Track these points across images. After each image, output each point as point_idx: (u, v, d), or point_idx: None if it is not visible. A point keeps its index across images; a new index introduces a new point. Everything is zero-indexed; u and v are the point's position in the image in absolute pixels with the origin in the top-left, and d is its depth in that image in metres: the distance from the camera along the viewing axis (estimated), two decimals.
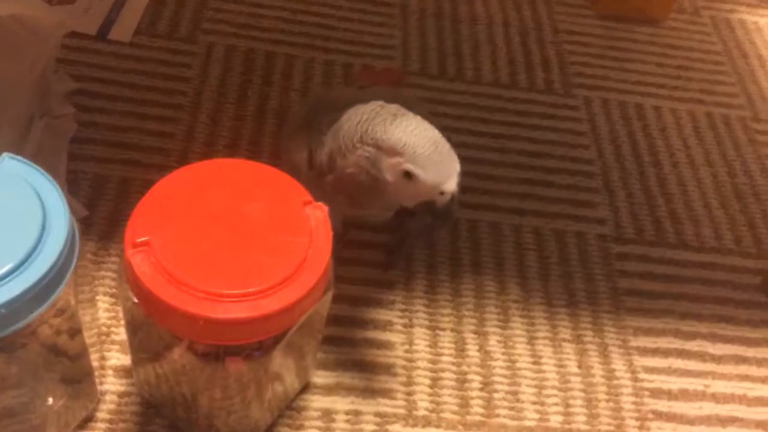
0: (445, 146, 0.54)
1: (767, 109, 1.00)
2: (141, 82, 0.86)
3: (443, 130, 0.57)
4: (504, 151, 0.89)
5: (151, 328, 0.53)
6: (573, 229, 0.82)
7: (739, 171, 0.92)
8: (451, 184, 0.54)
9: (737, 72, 1.05)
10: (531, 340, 0.72)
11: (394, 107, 0.57)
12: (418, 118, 0.56)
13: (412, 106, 0.67)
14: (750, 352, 0.74)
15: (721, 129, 0.96)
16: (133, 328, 0.56)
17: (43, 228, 0.47)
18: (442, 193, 0.54)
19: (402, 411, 0.65)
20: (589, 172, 0.88)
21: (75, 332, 0.56)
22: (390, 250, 0.75)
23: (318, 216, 0.52)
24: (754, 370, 0.73)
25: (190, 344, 0.51)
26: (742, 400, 0.70)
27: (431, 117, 0.69)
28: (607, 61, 1.03)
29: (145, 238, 0.48)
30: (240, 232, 0.50)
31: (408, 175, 0.53)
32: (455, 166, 0.54)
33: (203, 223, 0.50)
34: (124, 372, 0.64)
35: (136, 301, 0.50)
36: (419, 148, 0.53)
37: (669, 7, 1.09)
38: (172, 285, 0.47)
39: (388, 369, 0.68)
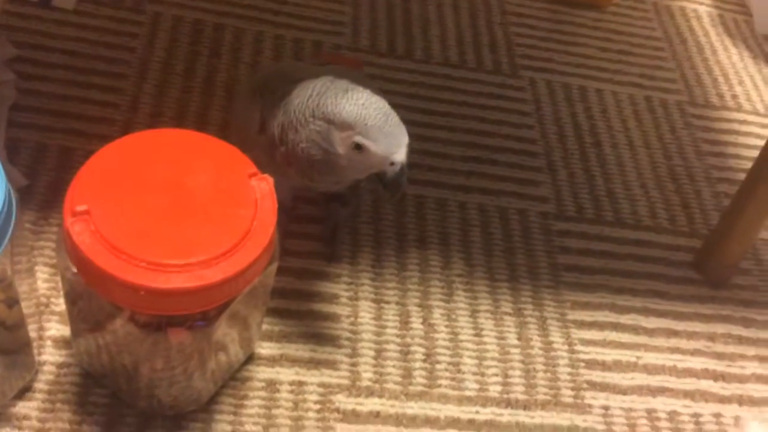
0: (394, 118, 0.55)
1: (703, 95, 1.04)
2: (84, 51, 0.84)
3: (392, 107, 0.58)
4: (451, 130, 0.90)
5: (92, 298, 0.53)
6: (516, 207, 0.84)
7: (675, 153, 0.95)
8: (400, 155, 0.55)
9: (676, 58, 1.08)
10: (473, 313, 0.73)
11: (344, 82, 0.57)
12: (368, 91, 0.56)
13: (363, 83, 0.67)
14: (680, 326, 0.77)
15: (659, 112, 1.00)
16: (72, 298, 0.55)
17: None
18: (392, 164, 0.55)
19: (346, 381, 0.66)
20: (533, 151, 0.90)
21: (12, 302, 0.55)
22: (326, 241, 0.76)
23: (263, 188, 0.53)
24: (683, 343, 0.76)
25: (132, 314, 0.51)
26: (672, 371, 0.74)
27: (381, 94, 0.70)
28: (552, 43, 1.05)
29: (85, 207, 0.47)
30: (183, 203, 0.50)
31: (359, 147, 0.54)
32: (404, 137, 0.56)
33: (146, 192, 0.50)
34: (63, 343, 0.63)
35: (75, 271, 0.49)
36: (369, 120, 0.54)
37: None
38: (113, 254, 0.46)
39: (333, 341, 0.68)
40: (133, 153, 0.52)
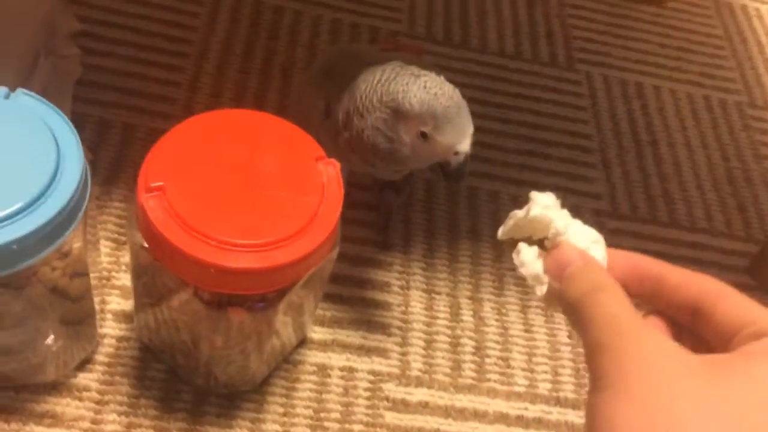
0: (460, 106, 0.54)
1: (763, 96, 1.01)
2: (147, 28, 0.85)
3: None
4: (506, 121, 0.89)
5: (156, 273, 0.54)
6: (569, 203, 0.82)
7: (733, 155, 0.93)
8: (465, 145, 0.54)
9: (736, 57, 1.06)
10: (524, 309, 0.73)
11: (413, 68, 0.57)
12: (439, 78, 0.55)
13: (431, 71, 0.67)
14: None
15: (717, 113, 0.98)
16: (138, 272, 0.56)
17: (58, 167, 0.47)
18: (456, 153, 0.55)
19: (396, 370, 0.66)
20: (587, 147, 0.89)
21: (78, 274, 0.57)
22: (379, 229, 0.75)
23: (330, 172, 0.53)
24: None
25: (196, 291, 0.52)
26: None
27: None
28: (610, 37, 1.03)
29: (160, 183, 0.48)
30: (253, 184, 0.50)
31: (424, 136, 0.54)
32: (470, 127, 0.55)
33: (217, 172, 0.50)
34: (124, 317, 0.64)
35: (145, 245, 0.50)
36: (438, 109, 0.53)
37: None
38: (185, 231, 0.47)
39: (384, 329, 0.69)
40: (205, 132, 0.52)
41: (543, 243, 0.38)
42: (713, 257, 0.82)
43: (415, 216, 0.78)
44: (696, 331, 0.31)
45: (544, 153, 0.87)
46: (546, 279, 0.37)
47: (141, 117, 0.77)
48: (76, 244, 0.53)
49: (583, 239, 0.36)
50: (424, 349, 0.68)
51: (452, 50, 0.95)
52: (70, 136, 0.49)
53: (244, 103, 0.81)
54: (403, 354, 0.68)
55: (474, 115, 0.91)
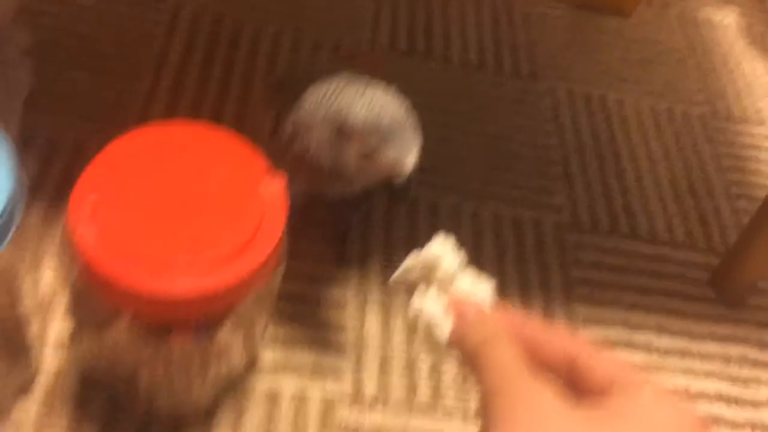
0: (404, 123, 0.53)
1: (726, 108, 1.01)
2: (104, 38, 0.83)
3: (410, 107, 0.55)
4: (468, 133, 0.88)
5: (93, 299, 0.52)
6: (531, 216, 0.82)
7: (695, 167, 0.93)
8: (409, 162, 0.52)
9: (700, 69, 1.06)
10: None
11: (360, 83, 0.55)
12: (385, 94, 0.54)
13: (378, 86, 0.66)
14: (694, 346, 0.76)
15: (680, 125, 0.98)
16: (76, 298, 0.54)
17: None
18: (399, 172, 0.53)
19: (349, 391, 0.65)
20: (550, 159, 0.89)
21: (13, 301, 0.54)
22: (336, 244, 0.74)
23: (274, 188, 0.51)
24: (697, 365, 0.74)
25: (134, 317, 0.50)
26: (684, 394, 0.72)
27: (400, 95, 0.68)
28: (574, 50, 1.03)
29: (90, 206, 0.46)
30: (191, 202, 0.49)
31: (368, 154, 0.53)
32: (415, 144, 0.53)
33: (153, 191, 0.49)
34: (64, 345, 0.62)
35: (78, 270, 0.48)
36: (378, 128, 0.52)
37: (638, 0, 1.10)
38: (116, 255, 0.45)
39: (338, 348, 0.67)
40: (143, 147, 0.51)
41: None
42: (674, 270, 0.82)
43: (373, 231, 0.76)
44: (573, 384, 0.34)
45: (507, 165, 0.87)
46: (448, 322, 0.37)
47: (94, 130, 0.75)
48: (10, 268, 0.51)
49: (474, 289, 0.37)
50: (380, 367, 0.67)
51: (416, 61, 0.94)
52: (2, 152, 0.47)
53: (201, 114, 0.79)
54: (358, 373, 0.66)
55: (437, 125, 0.91)
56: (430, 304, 0.38)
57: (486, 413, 0.31)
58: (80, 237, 0.45)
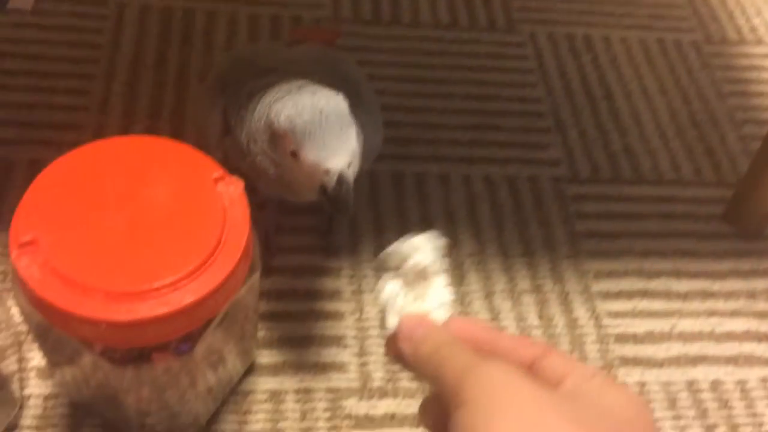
0: (337, 121, 0.47)
1: (720, 30, 0.96)
2: (47, 53, 0.79)
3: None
4: (448, 97, 0.83)
5: (60, 333, 0.48)
6: (525, 174, 0.78)
7: (694, 97, 0.88)
8: (335, 163, 0.46)
9: None
10: (488, 295, 0.68)
11: (298, 84, 0.51)
12: (319, 91, 0.49)
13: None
14: (716, 285, 0.71)
15: (673, 55, 0.92)
16: (41, 333, 0.50)
17: None
18: (327, 173, 0.47)
19: (356, 384, 0.61)
20: (539, 111, 0.84)
21: None
22: (322, 233, 0.70)
23: (232, 192, 0.47)
24: (721, 305, 0.70)
25: (104, 348, 0.46)
26: (711, 337, 0.67)
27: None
28: None
29: (30, 237, 0.42)
30: (142, 220, 0.45)
31: (294, 155, 0.47)
32: (343, 145, 0.47)
33: (99, 212, 0.44)
34: (49, 373, 0.58)
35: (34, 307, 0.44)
36: (306, 125, 0.47)
37: None
38: (66, 287, 0.41)
39: (338, 341, 0.63)
40: (82, 169, 0.47)
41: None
42: (685, 209, 0.77)
43: (360, 214, 0.72)
44: None
45: (494, 125, 0.82)
46: (395, 317, 0.36)
47: (48, 150, 0.68)
48: None
49: (434, 300, 0.37)
50: (385, 356, 0.63)
51: (383, 29, 0.89)
52: None
53: (161, 120, 0.75)
54: (362, 365, 0.62)
55: (413, 94, 0.86)
56: (388, 292, 0.37)
57: (461, 401, 0.31)
58: (25, 272, 0.41)
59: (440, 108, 0.82)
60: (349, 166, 0.46)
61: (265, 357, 0.62)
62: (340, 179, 0.46)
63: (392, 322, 0.36)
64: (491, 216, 0.74)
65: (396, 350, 0.36)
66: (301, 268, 0.67)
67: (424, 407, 0.36)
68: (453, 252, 0.70)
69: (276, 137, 0.48)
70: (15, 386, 0.56)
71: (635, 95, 0.87)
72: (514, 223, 0.74)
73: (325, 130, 0.46)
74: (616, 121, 0.84)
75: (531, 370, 0.34)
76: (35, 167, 0.68)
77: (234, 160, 0.54)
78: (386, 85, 0.82)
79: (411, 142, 0.78)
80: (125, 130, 0.73)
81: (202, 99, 0.60)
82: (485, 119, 0.82)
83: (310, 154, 0.46)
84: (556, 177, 0.78)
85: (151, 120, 0.75)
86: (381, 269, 0.39)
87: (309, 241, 0.69)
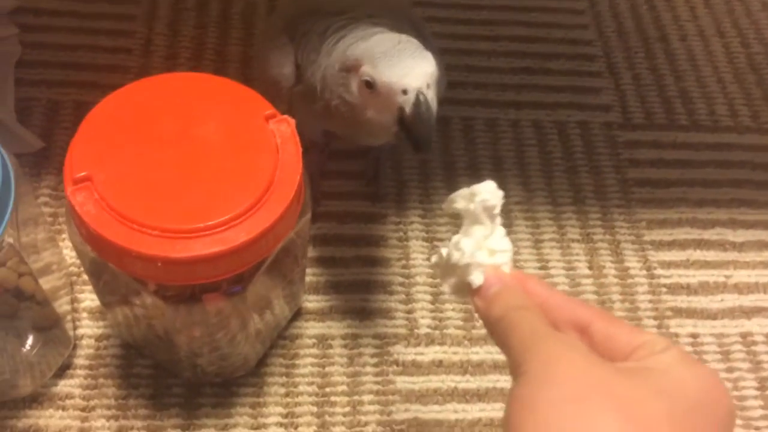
0: (405, 46, 0.45)
1: None
2: None
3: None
4: (496, 39, 0.81)
5: (115, 271, 0.48)
6: (576, 119, 0.75)
7: (753, 40, 0.84)
8: (412, 79, 0.44)
9: None
10: (536, 243, 0.66)
11: (372, 30, 0.49)
12: (393, 31, 0.48)
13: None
14: None
15: None
16: (95, 272, 0.50)
17: None
18: (405, 93, 0.44)
19: (403, 331, 0.61)
20: (590, 54, 0.81)
21: (39, 274, 0.52)
22: (368, 179, 0.68)
23: (284, 131, 0.46)
24: None
25: (158, 287, 0.46)
26: (767, 288, 0.66)
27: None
28: None
29: (85, 173, 0.42)
30: (195, 157, 0.44)
31: (369, 85, 0.45)
32: (419, 64, 0.45)
33: (151, 149, 0.44)
34: (101, 314, 0.59)
35: (90, 245, 0.44)
36: (376, 49, 0.45)
37: None
38: (122, 224, 0.41)
39: (385, 287, 0.63)
40: (135, 105, 0.46)
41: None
42: (743, 156, 0.74)
43: (406, 159, 0.71)
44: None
45: (543, 68, 0.79)
46: (482, 265, 0.37)
47: (93, 92, 0.70)
48: (9, 240, 0.48)
49: (501, 246, 0.38)
50: (432, 303, 0.62)
51: None
52: None
53: (203, 62, 0.74)
54: (409, 312, 0.62)
55: (459, 37, 0.83)
56: (468, 245, 0.37)
57: (521, 372, 0.31)
58: (81, 208, 0.41)
59: (487, 50, 0.79)
60: (428, 87, 0.44)
61: (312, 302, 0.61)
62: (418, 100, 0.43)
63: (476, 279, 0.37)
64: (540, 162, 0.72)
65: (474, 304, 0.37)
66: (347, 214, 0.66)
67: None
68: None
69: (350, 72, 0.47)
70: (68, 326, 0.56)
71: (691, 37, 0.83)
72: (563, 170, 0.72)
73: (400, 51, 0.44)
74: (671, 65, 0.81)
75: (586, 334, 0.34)
76: (81, 109, 0.69)
77: (303, 108, 0.53)
78: (431, 27, 0.79)
79: (457, 86, 0.76)
80: (168, 71, 0.72)
81: (269, 52, 0.57)
82: (534, 62, 0.79)
83: (384, 75, 0.44)
84: (608, 122, 0.75)
85: (193, 62, 0.73)
86: (449, 209, 0.39)
87: (355, 187, 0.68)
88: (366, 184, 0.68)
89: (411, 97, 0.44)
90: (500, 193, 0.38)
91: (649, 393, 0.29)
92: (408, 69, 0.44)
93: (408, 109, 0.44)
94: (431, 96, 0.44)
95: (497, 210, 0.38)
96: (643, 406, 0.28)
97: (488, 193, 0.38)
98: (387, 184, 0.69)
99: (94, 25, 0.75)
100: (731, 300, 0.65)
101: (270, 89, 0.49)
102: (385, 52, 0.44)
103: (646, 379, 0.30)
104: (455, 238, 0.38)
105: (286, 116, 0.46)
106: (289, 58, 0.55)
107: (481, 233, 0.38)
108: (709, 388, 0.30)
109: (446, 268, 0.39)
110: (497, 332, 0.34)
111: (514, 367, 0.32)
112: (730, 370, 0.61)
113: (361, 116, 0.48)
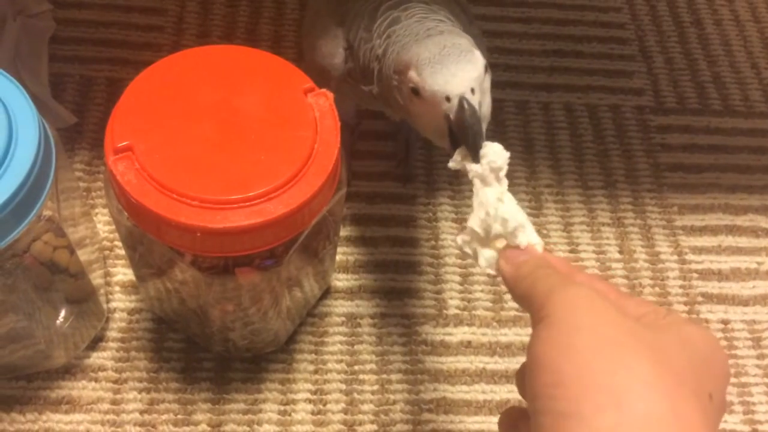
0: (453, 48, 0.44)
1: None
2: None
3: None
4: (527, 21, 0.80)
5: (151, 242, 0.48)
6: (607, 103, 0.75)
7: None
8: (455, 86, 0.42)
9: None
10: (567, 227, 0.66)
11: (426, 26, 0.47)
12: (447, 32, 0.46)
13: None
14: None
15: None
16: (130, 243, 0.51)
17: (10, 140, 0.41)
18: (448, 100, 0.43)
19: (431, 311, 0.61)
20: (623, 37, 0.80)
21: (73, 248, 0.52)
22: (398, 159, 0.68)
23: (322, 105, 0.46)
24: None
25: (194, 258, 0.46)
26: None
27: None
28: None
29: (127, 143, 0.42)
30: (235, 129, 0.44)
31: (415, 92, 0.44)
32: (467, 68, 0.43)
33: (192, 121, 0.44)
34: (133, 288, 0.60)
35: (127, 215, 0.45)
36: (422, 55, 0.44)
37: None
38: (162, 194, 0.41)
39: (414, 267, 0.63)
40: (174, 77, 0.46)
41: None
42: None
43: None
44: None
45: (575, 50, 0.78)
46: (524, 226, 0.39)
47: (125, 69, 0.70)
48: (58, 216, 0.49)
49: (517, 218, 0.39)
50: (460, 284, 0.62)
51: None
52: (23, 104, 0.43)
53: (235, 40, 0.74)
54: (438, 292, 0.62)
55: (491, 18, 0.83)
56: (511, 206, 0.39)
57: (544, 315, 0.33)
58: (122, 177, 0.41)
59: (519, 32, 0.79)
60: (473, 92, 0.42)
61: (342, 281, 0.62)
62: (461, 106, 0.42)
63: (526, 235, 0.38)
64: (571, 145, 0.71)
65: (499, 271, 0.39)
66: (377, 194, 0.66)
67: (520, 374, 0.37)
68: (530, 182, 0.69)
69: (401, 75, 0.46)
70: (101, 299, 0.57)
71: (725, 22, 0.82)
72: (594, 153, 0.71)
73: (444, 57, 0.43)
74: (705, 49, 0.80)
75: None
76: (113, 86, 0.70)
77: (345, 87, 0.53)
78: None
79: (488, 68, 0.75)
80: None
81: (318, 41, 0.55)
82: (566, 44, 0.78)
83: (428, 83, 0.43)
84: (640, 106, 0.75)
85: (225, 40, 0.74)
86: (458, 165, 0.42)
87: (385, 168, 0.68)
88: (396, 165, 0.68)
89: (454, 103, 0.43)
90: (506, 154, 0.40)
91: (671, 344, 0.32)
92: (450, 76, 0.43)
93: (452, 116, 0.43)
94: (477, 101, 0.43)
95: (503, 172, 0.40)
96: (669, 355, 0.31)
97: (494, 154, 0.40)
98: (417, 165, 0.69)
99: (126, 2, 0.75)
100: (763, 287, 0.64)
101: (317, 75, 0.48)
102: (430, 58, 0.43)
103: (665, 333, 0.32)
104: (486, 209, 0.39)
105: (324, 90, 0.46)
106: (339, 47, 0.54)
107: (493, 194, 0.39)
108: (714, 346, 0.33)
109: (482, 241, 0.40)
110: (522, 286, 0.36)
111: (537, 309, 0.34)
112: (761, 357, 0.60)
113: (415, 122, 0.47)
